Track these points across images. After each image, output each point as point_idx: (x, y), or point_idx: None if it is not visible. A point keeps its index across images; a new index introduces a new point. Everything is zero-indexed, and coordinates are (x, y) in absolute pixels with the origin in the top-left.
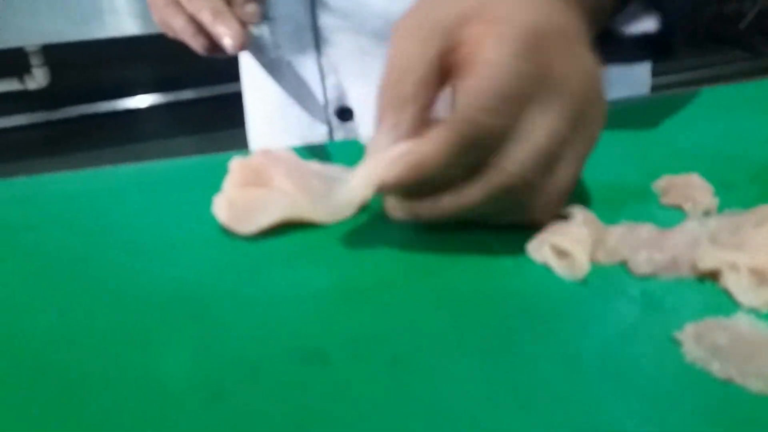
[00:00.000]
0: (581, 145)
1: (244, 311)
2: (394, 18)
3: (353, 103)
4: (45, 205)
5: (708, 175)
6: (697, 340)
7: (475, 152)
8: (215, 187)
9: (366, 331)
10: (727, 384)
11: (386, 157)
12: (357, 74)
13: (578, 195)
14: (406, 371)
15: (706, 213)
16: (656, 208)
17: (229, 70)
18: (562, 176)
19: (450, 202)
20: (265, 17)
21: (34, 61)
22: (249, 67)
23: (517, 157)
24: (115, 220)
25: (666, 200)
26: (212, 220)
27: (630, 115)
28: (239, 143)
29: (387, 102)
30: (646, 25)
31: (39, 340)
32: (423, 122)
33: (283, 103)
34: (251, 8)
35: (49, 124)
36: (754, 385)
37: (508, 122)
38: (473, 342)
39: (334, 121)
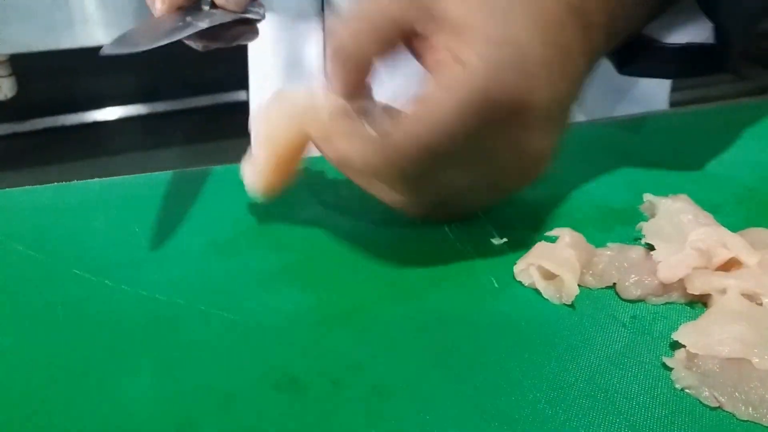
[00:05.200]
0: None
1: (215, 335)
2: None
3: None
4: (9, 219)
5: (696, 196)
6: (687, 367)
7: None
8: (188, 202)
9: (344, 357)
10: (716, 411)
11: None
12: None
13: (566, 216)
14: (387, 400)
15: None
16: None
17: (203, 82)
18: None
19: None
20: (250, 9)
21: (1, 71)
22: (256, 69)
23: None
24: (83, 237)
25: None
26: (185, 237)
27: (617, 137)
28: (213, 157)
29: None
30: (693, 34)
31: None
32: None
33: None
34: None
35: (15, 136)
36: (743, 412)
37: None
38: (457, 368)
39: None
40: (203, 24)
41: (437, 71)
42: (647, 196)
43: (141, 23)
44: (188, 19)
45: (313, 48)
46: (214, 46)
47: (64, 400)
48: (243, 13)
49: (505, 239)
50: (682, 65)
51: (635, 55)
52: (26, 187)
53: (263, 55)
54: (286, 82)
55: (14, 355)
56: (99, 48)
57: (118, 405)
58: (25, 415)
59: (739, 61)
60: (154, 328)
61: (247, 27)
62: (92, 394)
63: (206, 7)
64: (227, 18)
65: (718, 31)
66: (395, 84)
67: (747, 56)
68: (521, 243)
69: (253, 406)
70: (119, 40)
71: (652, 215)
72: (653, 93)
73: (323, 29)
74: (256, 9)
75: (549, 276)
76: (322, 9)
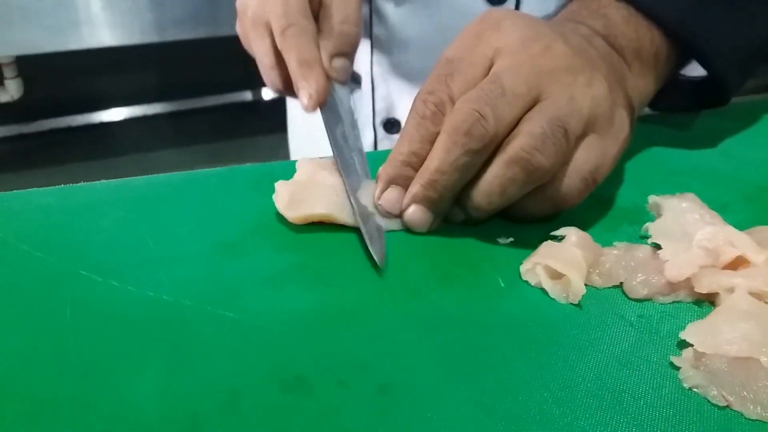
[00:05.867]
0: (605, 130)
1: (221, 335)
2: (445, 36)
3: (401, 115)
4: (17, 220)
5: (702, 195)
6: (695, 366)
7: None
8: (194, 203)
9: (351, 357)
10: (724, 410)
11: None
12: (405, 90)
13: (572, 215)
14: (394, 399)
15: None
16: None
17: (210, 83)
18: (582, 157)
19: (475, 197)
20: (353, 80)
21: (8, 72)
22: None
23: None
24: (89, 237)
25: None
26: (192, 238)
27: None
28: (218, 158)
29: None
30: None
31: (3, 363)
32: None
33: None
34: (340, 63)
35: (22, 137)
36: (752, 411)
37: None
38: (463, 367)
39: (380, 132)
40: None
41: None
42: (652, 198)
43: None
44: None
45: (361, 56)
46: (289, 94)
47: (71, 399)
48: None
49: (511, 239)
50: (690, 99)
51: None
52: (33, 188)
53: None
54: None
55: (22, 355)
56: (105, 49)
57: (125, 405)
58: (33, 414)
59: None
60: (161, 329)
61: None
62: (99, 394)
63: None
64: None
65: (712, 70)
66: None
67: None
68: (528, 242)
69: (259, 406)
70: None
71: (659, 215)
72: None
73: (371, 37)
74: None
75: (556, 275)
76: (371, 17)
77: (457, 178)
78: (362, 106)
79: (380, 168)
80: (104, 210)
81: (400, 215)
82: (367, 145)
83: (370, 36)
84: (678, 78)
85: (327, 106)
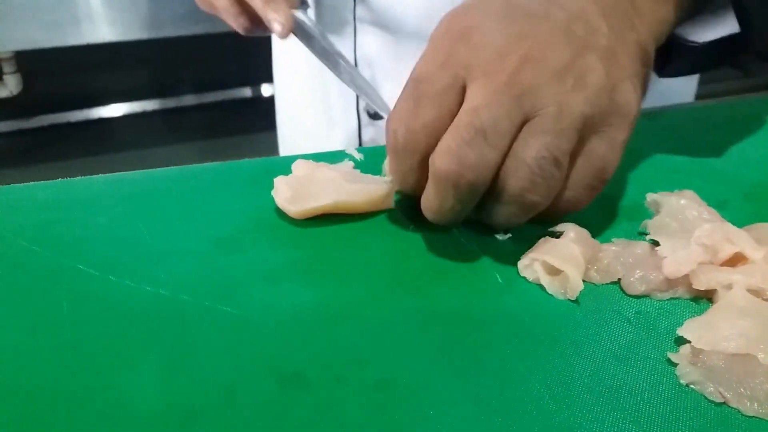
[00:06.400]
0: (607, 123)
1: (219, 330)
2: (431, 18)
3: (385, 100)
4: (14, 215)
5: (701, 192)
6: (692, 362)
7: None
8: (192, 198)
9: (348, 352)
10: (722, 406)
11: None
12: (390, 73)
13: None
14: (391, 395)
15: None
16: None
17: (208, 79)
18: (584, 167)
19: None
20: (303, 2)
21: (7, 68)
22: (281, 62)
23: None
24: (87, 232)
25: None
26: (189, 233)
27: None
28: (218, 154)
29: None
30: (717, 29)
31: (0, 357)
32: None
33: (314, 98)
34: None
35: (21, 132)
36: (749, 408)
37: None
38: (461, 363)
39: (364, 117)
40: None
41: None
42: (651, 194)
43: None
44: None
45: (345, 39)
46: (257, 31)
47: (69, 394)
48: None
49: (509, 235)
50: (712, 58)
51: (670, 57)
52: (31, 183)
53: (289, 49)
54: (315, 74)
55: (19, 349)
56: (104, 45)
57: (122, 399)
58: (30, 409)
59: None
60: (159, 324)
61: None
62: (97, 388)
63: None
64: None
65: (741, 15)
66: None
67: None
68: (526, 238)
69: (256, 401)
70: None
71: (657, 211)
72: (680, 87)
73: (354, 20)
74: (302, 11)
75: (553, 271)
76: (354, 2)
77: (461, 210)
78: (346, 91)
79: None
80: (102, 205)
81: None
82: (351, 130)
83: (353, 19)
84: (686, 44)
85: (297, 29)
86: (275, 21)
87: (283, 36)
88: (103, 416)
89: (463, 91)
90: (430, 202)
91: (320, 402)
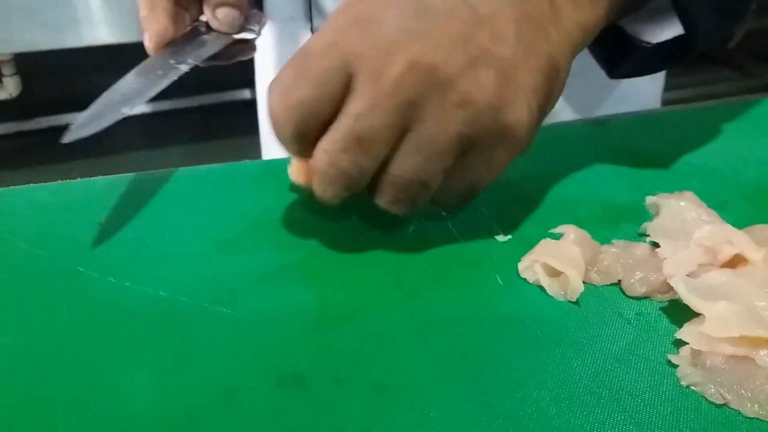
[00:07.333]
0: (487, 144)
1: (218, 332)
2: None
3: None
4: (13, 217)
5: (701, 193)
6: (692, 364)
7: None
8: (191, 200)
9: (348, 354)
10: (722, 408)
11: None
12: None
13: (571, 213)
14: (390, 397)
15: None
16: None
17: (206, 81)
18: (458, 179)
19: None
20: (247, 28)
21: (6, 70)
22: (262, 69)
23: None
24: (87, 234)
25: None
26: (188, 235)
27: (622, 133)
28: (216, 156)
29: None
30: (668, 28)
31: (1, 359)
32: None
33: None
34: (224, 14)
35: (20, 134)
36: (749, 409)
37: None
38: (461, 365)
39: None
40: (193, 60)
41: None
42: (651, 196)
43: (127, 78)
44: (179, 56)
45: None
46: (214, 63)
47: (69, 396)
48: (238, 33)
49: (509, 236)
50: (662, 59)
51: (621, 58)
52: (30, 184)
53: (267, 57)
54: None
55: (19, 351)
56: (103, 47)
57: (122, 401)
58: (29, 410)
59: (719, 47)
60: (158, 325)
61: (245, 45)
62: (96, 390)
63: (203, 29)
64: (222, 43)
65: (684, 19)
66: None
67: (751, 53)
68: (526, 240)
69: (256, 402)
70: (91, 115)
71: (657, 213)
72: (645, 91)
73: (311, 30)
74: (252, 27)
75: (554, 273)
76: (310, 11)
77: (346, 197)
78: None
79: None
80: (101, 207)
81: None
82: None
83: (311, 30)
84: (638, 45)
85: (174, 49)
86: (146, 34)
87: (150, 51)
88: (103, 418)
89: (349, 78)
90: (315, 185)
91: (320, 404)
